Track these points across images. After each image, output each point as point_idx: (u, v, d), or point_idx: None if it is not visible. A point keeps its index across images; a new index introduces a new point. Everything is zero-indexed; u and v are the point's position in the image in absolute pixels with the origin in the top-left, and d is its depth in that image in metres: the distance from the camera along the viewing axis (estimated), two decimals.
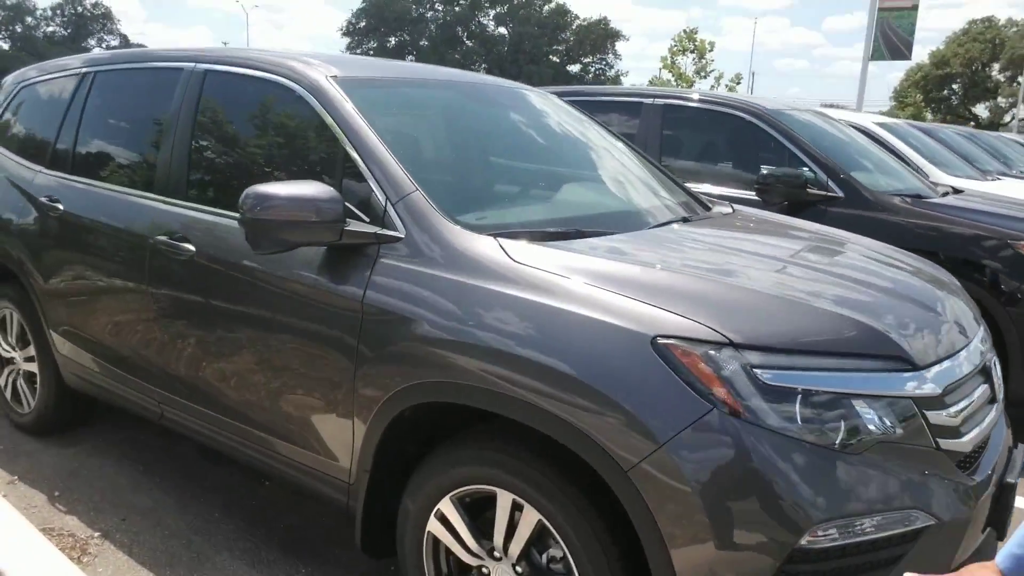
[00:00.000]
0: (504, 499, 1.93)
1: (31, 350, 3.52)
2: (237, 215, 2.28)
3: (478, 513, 2.04)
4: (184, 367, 2.70)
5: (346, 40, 57.93)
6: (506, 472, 1.91)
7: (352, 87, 2.50)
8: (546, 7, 56.62)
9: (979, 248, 3.79)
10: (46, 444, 3.58)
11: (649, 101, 4.93)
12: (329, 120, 2.39)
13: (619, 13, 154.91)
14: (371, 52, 56.59)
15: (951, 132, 10.08)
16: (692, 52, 24.82)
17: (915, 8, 20.32)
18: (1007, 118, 61.19)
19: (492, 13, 57.51)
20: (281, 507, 3.10)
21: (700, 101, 4.87)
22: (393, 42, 56.97)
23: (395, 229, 2.16)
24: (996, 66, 65.14)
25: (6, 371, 3.73)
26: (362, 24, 56.96)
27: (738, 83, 27.28)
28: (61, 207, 3.16)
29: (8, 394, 3.73)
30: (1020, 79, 61.84)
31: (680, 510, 1.64)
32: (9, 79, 3.94)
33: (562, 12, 56.63)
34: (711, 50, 24.55)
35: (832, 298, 1.95)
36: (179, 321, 2.68)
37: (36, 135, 3.60)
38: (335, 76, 2.52)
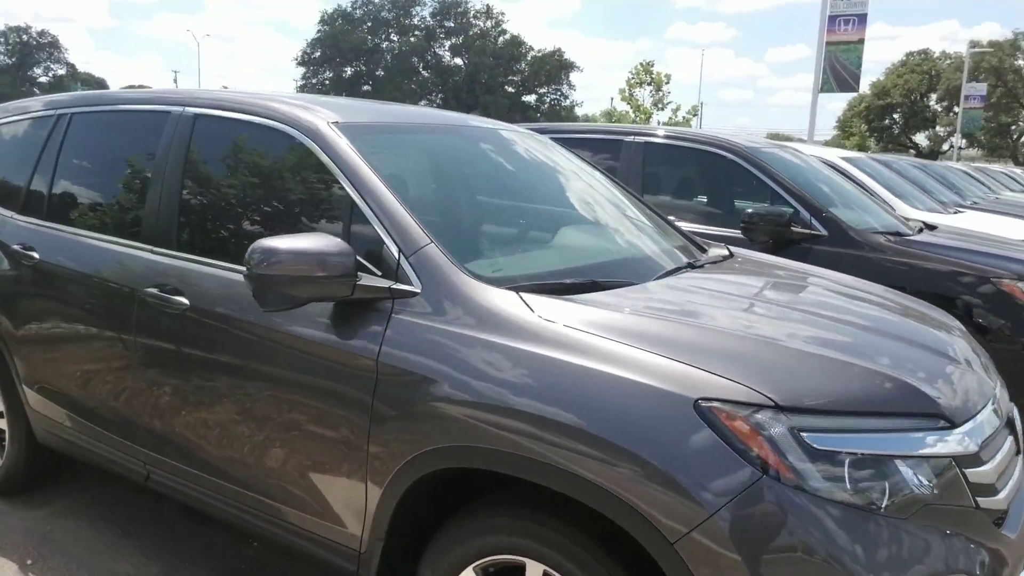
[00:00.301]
0: (534, 570, 1.84)
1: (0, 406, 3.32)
2: (235, 267, 2.18)
3: None
4: (176, 426, 2.56)
5: (301, 70, 57.73)
6: (537, 542, 1.82)
7: (354, 133, 2.42)
8: (500, 39, 57.30)
9: (963, 286, 3.85)
10: (12, 505, 3.36)
11: (630, 139, 4.95)
12: (333, 168, 2.31)
13: (571, 44, 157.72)
14: (327, 82, 56.40)
15: (906, 164, 10.38)
16: (649, 84, 25.31)
17: (861, 42, 21.06)
18: (945, 146, 63.54)
19: (448, 44, 57.95)
20: (272, 570, 2.95)
21: (681, 139, 4.90)
22: (349, 72, 56.90)
23: (410, 283, 2.08)
24: (934, 96, 67.95)
25: None
26: (317, 54, 56.78)
27: (695, 115, 27.86)
28: (36, 255, 3.00)
29: None
30: (955, 109, 64.59)
31: None
32: None
33: (516, 43, 57.35)
34: (667, 82, 25.13)
35: (865, 354, 1.93)
36: (170, 378, 2.54)
37: (5, 179, 3.42)
38: (336, 122, 2.45)
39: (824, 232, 4.26)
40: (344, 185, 2.28)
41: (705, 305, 2.26)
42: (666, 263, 2.63)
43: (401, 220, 2.16)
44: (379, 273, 2.12)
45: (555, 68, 56.58)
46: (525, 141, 3.15)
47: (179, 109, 2.77)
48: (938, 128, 69.90)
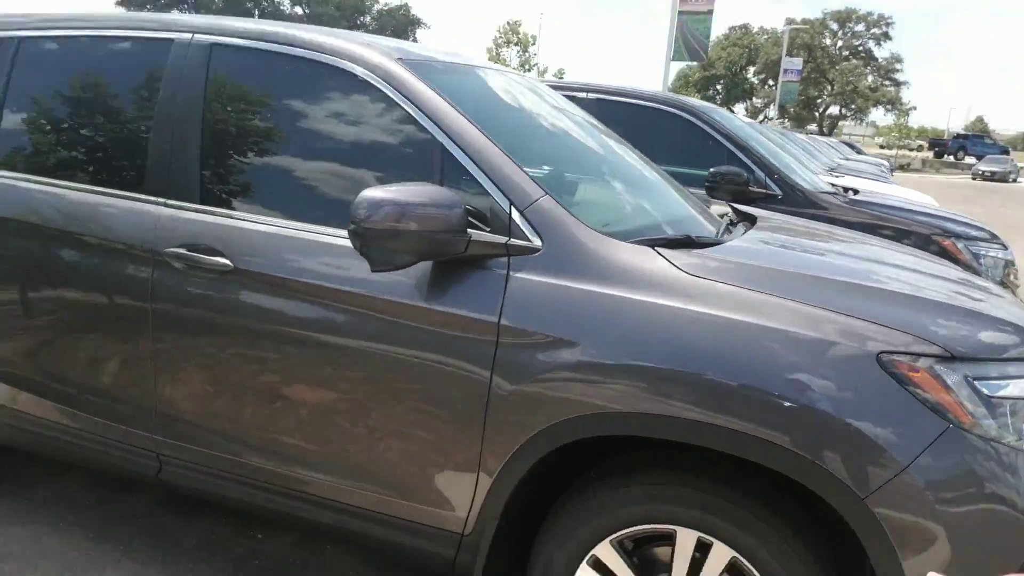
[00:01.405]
0: (687, 537, 1.77)
1: None
2: (303, 225, 1.93)
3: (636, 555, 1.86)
4: (210, 408, 2.21)
5: (120, 9, 52.19)
6: (691, 508, 1.75)
7: (425, 71, 2.17)
8: None
9: (914, 244, 4.14)
10: None
11: (583, 95, 4.87)
12: (414, 111, 2.06)
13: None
14: None
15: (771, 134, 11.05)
16: (516, 44, 25.16)
17: (710, 13, 22.10)
18: (760, 118, 68.75)
19: None
20: (288, 564, 2.67)
21: (637, 98, 4.89)
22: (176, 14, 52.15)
23: (527, 239, 1.90)
24: (751, 69, 73.15)
25: None
26: None
27: (561, 77, 28.16)
28: None
29: None
30: (770, 82, 69.94)
31: (922, 536, 1.58)
32: None
33: None
34: (533, 43, 25.09)
35: (981, 304, 2.00)
36: (209, 351, 2.18)
37: None
38: (402, 58, 2.18)
39: (779, 192, 4.42)
40: (430, 131, 2.04)
41: (815, 260, 2.25)
42: (716, 222, 2.60)
43: (508, 170, 1.96)
44: (487, 228, 1.92)
45: (402, 24, 55.03)
46: (550, 90, 2.98)
47: (185, 36, 2.35)
48: (755, 99, 75.52)
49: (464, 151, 1.99)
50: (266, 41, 2.29)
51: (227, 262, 2.12)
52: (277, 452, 2.16)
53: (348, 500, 2.11)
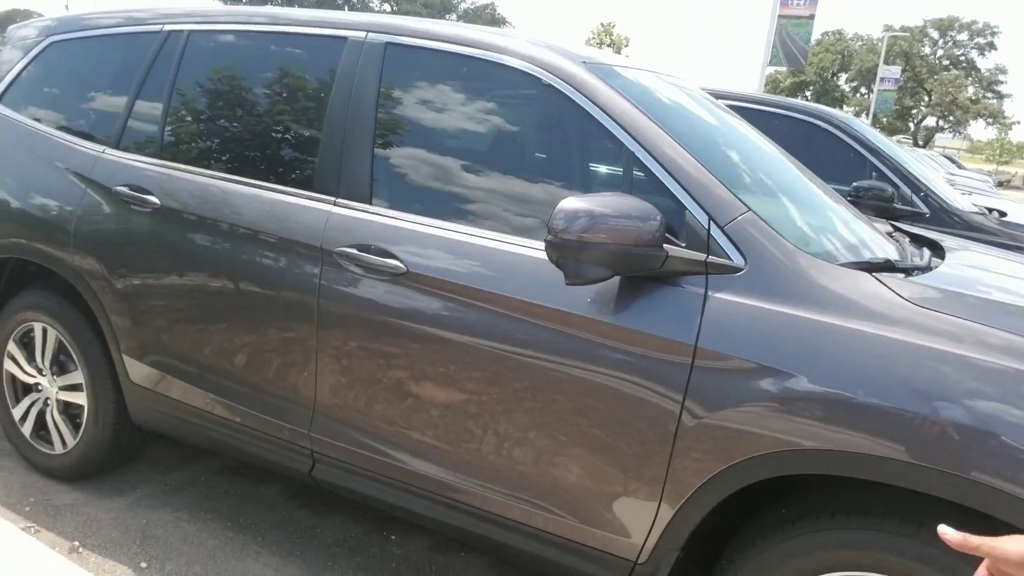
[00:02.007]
0: None
1: (75, 376, 2.81)
2: (471, 229, 1.91)
3: None
4: (373, 410, 2.17)
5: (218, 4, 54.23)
6: (905, 558, 1.59)
7: (609, 75, 2.08)
8: None
9: None
10: (85, 493, 2.88)
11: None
12: (603, 117, 1.96)
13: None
14: None
15: None
16: (609, 46, 24.90)
17: (812, 18, 21.41)
18: None
19: None
20: (422, 566, 2.62)
21: (774, 106, 4.69)
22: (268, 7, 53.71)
23: (727, 257, 1.78)
24: (843, 76, 70.68)
25: (27, 400, 2.97)
26: None
27: None
28: (155, 200, 2.50)
29: (29, 430, 2.98)
30: (863, 90, 67.41)
31: None
32: (25, 32, 3.12)
33: None
34: (627, 45, 24.77)
35: None
36: (370, 353, 2.14)
37: (89, 107, 2.85)
38: (586, 62, 2.09)
39: (926, 210, 4.16)
40: (620, 138, 1.94)
41: None
42: (896, 244, 2.42)
43: (706, 182, 1.85)
44: (682, 244, 1.81)
45: (487, 23, 55.30)
46: (714, 99, 2.84)
47: (359, 35, 2.33)
48: (845, 108, 72.97)
49: (658, 161, 1.88)
50: (443, 41, 2.23)
51: (400, 265, 2.07)
52: (441, 461, 2.10)
53: (513, 516, 2.03)
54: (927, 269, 2.01)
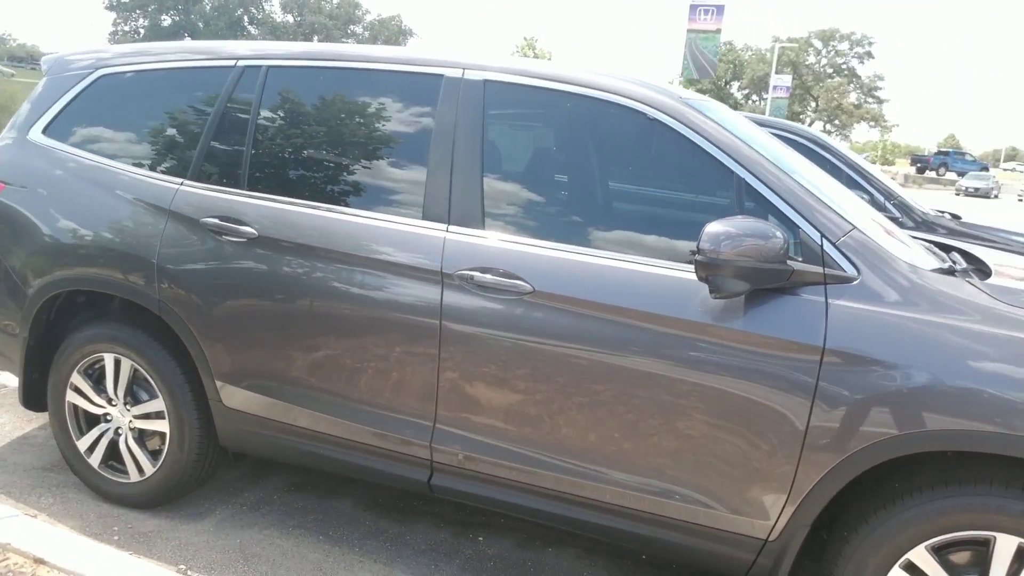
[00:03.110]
0: (1006, 543, 1.93)
1: (154, 405, 2.83)
2: (592, 250, 2.20)
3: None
4: (499, 419, 2.33)
5: (111, 15, 51.85)
6: (1013, 516, 1.91)
7: (708, 112, 2.33)
8: None
9: None
10: (167, 519, 2.90)
11: None
12: (711, 149, 2.21)
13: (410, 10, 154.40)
14: (142, 31, 51.14)
15: None
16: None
17: (718, 32, 22.55)
18: None
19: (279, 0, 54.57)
20: (519, 566, 2.79)
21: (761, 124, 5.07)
22: (168, 21, 51.92)
23: (841, 269, 2.06)
24: (736, 85, 74.17)
25: (95, 431, 2.96)
26: None
27: None
28: (253, 231, 2.58)
29: (97, 460, 2.97)
30: (755, 97, 70.97)
31: None
32: (68, 64, 3.10)
33: (353, 4, 55.20)
34: (550, 59, 25.38)
35: None
36: (496, 367, 2.30)
37: (152, 139, 2.89)
38: (684, 99, 2.34)
39: (898, 215, 4.62)
40: (729, 166, 2.19)
41: None
42: (934, 251, 2.77)
43: (813, 203, 2.13)
44: (799, 259, 2.08)
45: (394, 33, 55.21)
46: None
47: (455, 73, 2.49)
48: None
49: (768, 186, 2.15)
50: (543, 79, 2.42)
51: (526, 284, 2.25)
52: (571, 465, 2.28)
53: (644, 508, 2.25)
54: (980, 272, 2.34)
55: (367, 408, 2.51)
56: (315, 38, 53.76)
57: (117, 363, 2.87)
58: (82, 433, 2.99)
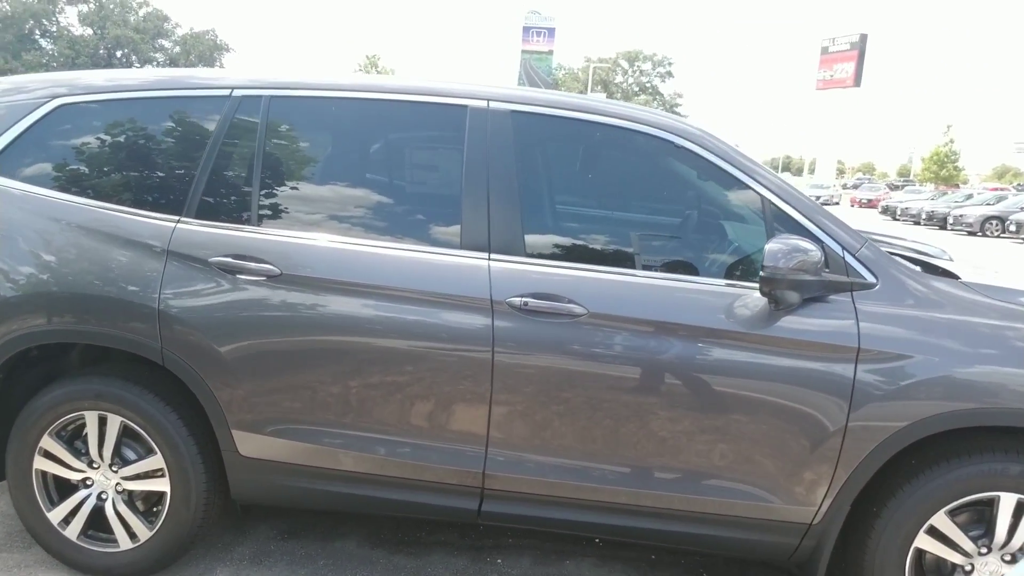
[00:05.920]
0: (1008, 500, 2.29)
1: (150, 463, 2.60)
2: (638, 271, 2.39)
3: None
4: (553, 441, 2.39)
5: None
6: (1008, 477, 2.27)
7: (722, 139, 2.55)
8: (142, 10, 51.12)
9: None
10: None
11: None
12: (739, 174, 2.44)
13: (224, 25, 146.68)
14: None
15: None
16: None
17: (551, 53, 23.59)
18: None
19: (75, 12, 49.98)
20: None
21: None
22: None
23: (861, 277, 2.34)
24: None
25: (72, 499, 2.67)
26: None
27: None
28: (275, 269, 2.46)
29: (76, 532, 2.67)
30: None
31: None
32: (14, 93, 2.78)
33: (161, 17, 51.75)
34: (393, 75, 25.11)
35: None
36: (562, 388, 2.37)
37: (132, 174, 2.66)
38: (702, 130, 2.55)
39: None
40: (755, 189, 2.43)
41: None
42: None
43: (830, 221, 2.41)
44: (828, 270, 2.34)
45: (208, 48, 52.33)
46: None
47: (479, 104, 2.54)
48: None
49: (794, 207, 2.40)
50: (570, 110, 2.54)
51: (580, 308, 2.35)
52: (630, 478, 2.40)
53: (695, 509, 2.41)
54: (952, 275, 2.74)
55: (414, 442, 2.47)
56: (119, 52, 49.88)
57: (102, 421, 2.61)
58: (54, 504, 2.68)
